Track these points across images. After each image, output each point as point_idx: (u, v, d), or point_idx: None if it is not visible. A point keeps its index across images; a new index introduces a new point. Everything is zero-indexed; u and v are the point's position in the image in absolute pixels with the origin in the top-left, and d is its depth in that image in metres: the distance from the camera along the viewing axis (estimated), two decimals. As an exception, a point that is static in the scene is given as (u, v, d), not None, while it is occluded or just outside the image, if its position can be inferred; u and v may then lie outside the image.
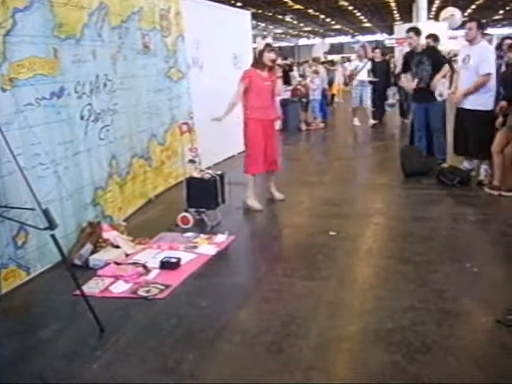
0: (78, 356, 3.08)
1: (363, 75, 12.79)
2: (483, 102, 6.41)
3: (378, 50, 13.57)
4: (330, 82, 17.47)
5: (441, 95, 7.12)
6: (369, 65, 12.76)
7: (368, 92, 12.77)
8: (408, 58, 7.78)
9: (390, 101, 13.35)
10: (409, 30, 7.74)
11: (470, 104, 6.52)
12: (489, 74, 6.35)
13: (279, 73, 6.14)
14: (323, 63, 17.43)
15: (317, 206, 6.29)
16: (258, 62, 5.82)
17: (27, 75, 4.06)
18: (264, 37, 6.22)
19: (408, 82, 7.66)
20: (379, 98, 13.11)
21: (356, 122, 13.09)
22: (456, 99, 6.85)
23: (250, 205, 5.91)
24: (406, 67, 7.83)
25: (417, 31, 7.65)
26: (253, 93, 5.76)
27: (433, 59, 7.30)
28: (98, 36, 5.11)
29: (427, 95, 7.28)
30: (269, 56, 5.73)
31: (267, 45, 5.79)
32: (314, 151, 10.84)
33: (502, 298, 3.64)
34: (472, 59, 6.47)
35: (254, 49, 5.90)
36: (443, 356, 2.94)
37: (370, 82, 12.74)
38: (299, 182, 7.26)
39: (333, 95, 18.26)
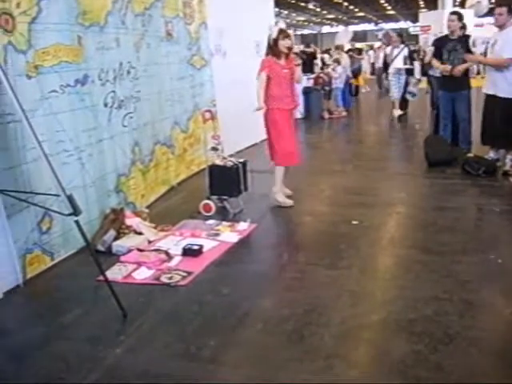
0: (101, 340, 3.12)
1: (399, 63, 12.09)
2: (510, 89, 6.28)
3: (395, 38, 12.73)
4: (356, 72, 16.81)
5: None
6: (406, 51, 12.10)
7: (402, 81, 12.13)
8: (439, 44, 7.64)
9: (411, 89, 12.34)
10: (452, 14, 7.58)
11: (499, 91, 6.40)
12: (510, 59, 6.23)
13: (298, 60, 5.93)
14: (349, 51, 16.99)
15: (339, 194, 6.25)
16: (273, 50, 5.55)
17: (52, 62, 4.09)
18: (276, 23, 5.96)
19: (443, 66, 7.46)
20: (404, 87, 12.37)
21: (396, 112, 12.38)
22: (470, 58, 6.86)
23: (280, 201, 5.64)
24: (437, 53, 7.68)
25: (460, 16, 7.40)
26: (273, 82, 5.53)
27: (467, 48, 7.18)
28: (121, 23, 5.13)
29: (456, 84, 7.18)
30: (284, 43, 5.46)
31: (281, 31, 5.54)
32: (337, 140, 10.77)
33: (526, 289, 3.59)
34: (498, 43, 6.35)
35: (269, 36, 5.67)
36: (465, 347, 2.92)
37: (407, 71, 12.05)
38: (321, 171, 7.23)
39: (357, 86, 17.37)
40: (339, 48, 14.96)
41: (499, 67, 6.33)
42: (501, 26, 6.46)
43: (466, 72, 7.34)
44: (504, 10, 6.40)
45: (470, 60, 6.87)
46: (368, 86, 20.55)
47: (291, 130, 5.73)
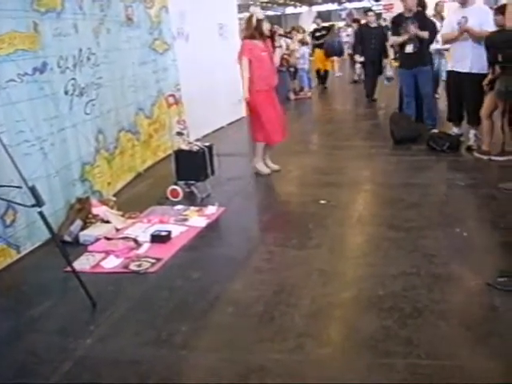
0: (71, 331, 3.09)
1: None
2: (481, 64, 6.31)
3: (371, 13, 11.43)
4: (337, 52, 14.80)
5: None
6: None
7: None
8: (397, 23, 7.68)
9: (388, 73, 11.30)
10: None
11: (470, 67, 6.45)
12: None
13: (277, 42, 6.05)
14: (316, 31, 15.22)
15: (307, 175, 6.28)
16: (255, 32, 5.70)
17: (7, 51, 3.97)
18: (256, 5, 6.08)
19: (399, 38, 7.50)
20: (374, 71, 11.11)
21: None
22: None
23: (258, 169, 6.01)
24: (395, 31, 7.72)
25: None
26: (254, 64, 5.71)
27: (422, 24, 7.23)
28: (79, 9, 5.02)
29: (416, 60, 7.23)
30: (267, 26, 5.71)
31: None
32: (303, 120, 10.78)
33: (491, 261, 3.66)
34: (472, 20, 6.35)
35: (249, 18, 5.72)
36: (434, 320, 2.96)
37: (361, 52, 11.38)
38: (288, 152, 7.21)
39: (325, 71, 14.87)
40: (295, 29, 14.75)
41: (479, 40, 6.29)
42: (463, 3, 6.50)
43: (428, 47, 7.39)
44: None
45: (470, 33, 6.71)
46: (340, 69, 18.41)
47: (276, 108, 5.97)
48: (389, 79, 11.41)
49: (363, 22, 12.43)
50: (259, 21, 5.69)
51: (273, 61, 5.91)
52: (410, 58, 7.34)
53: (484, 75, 6.20)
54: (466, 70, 6.52)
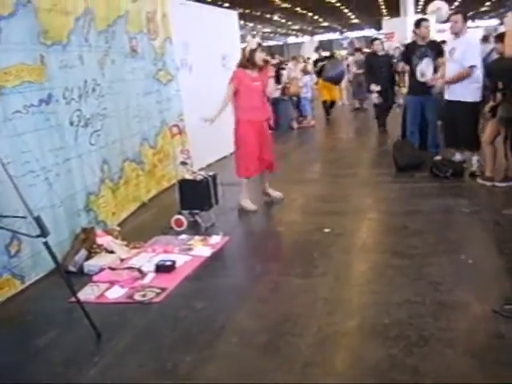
0: (75, 362, 3.07)
1: None
2: (471, 93, 6.42)
3: (377, 42, 10.95)
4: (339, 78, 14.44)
5: (422, 75, 7.11)
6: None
7: None
8: (409, 51, 7.73)
9: (400, 101, 10.61)
10: (426, 20, 7.67)
11: (458, 96, 6.53)
12: (473, 67, 6.36)
13: (272, 72, 5.98)
14: (317, 62, 15.18)
15: (310, 203, 6.28)
16: (248, 62, 5.67)
17: (14, 83, 4.04)
18: (254, 36, 6.05)
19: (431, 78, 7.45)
20: (385, 99, 10.57)
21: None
22: (438, 86, 6.97)
23: (243, 205, 5.86)
24: (406, 58, 7.76)
25: (465, 16, 6.81)
26: (242, 94, 5.66)
27: (437, 53, 7.28)
28: (84, 41, 5.09)
29: (425, 88, 7.28)
30: (260, 56, 5.64)
31: (259, 44, 5.76)
32: (306, 149, 10.81)
33: (497, 288, 3.64)
34: (457, 51, 6.48)
35: (243, 48, 5.76)
36: (441, 348, 2.94)
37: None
38: (292, 180, 7.25)
39: (332, 102, 14.55)
40: (295, 59, 14.85)
41: (466, 78, 6.41)
42: (457, 33, 6.60)
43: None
44: (459, 17, 6.56)
45: (438, 84, 6.90)
46: (346, 98, 17.51)
47: (264, 141, 5.85)
48: (400, 106, 10.69)
49: (369, 50, 12.21)
50: (252, 51, 5.65)
51: (265, 92, 5.82)
52: (418, 85, 7.37)
53: (474, 103, 6.30)
54: (455, 98, 6.59)
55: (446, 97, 6.80)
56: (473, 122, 6.43)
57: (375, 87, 9.99)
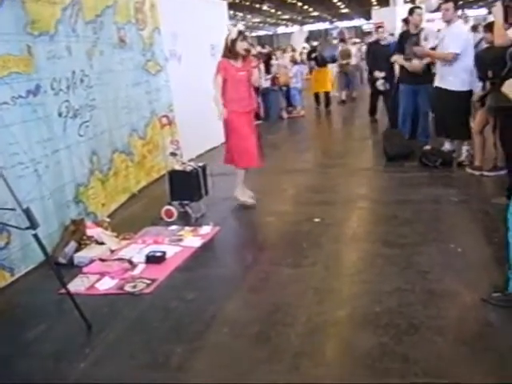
0: (65, 355, 3.06)
1: None
2: (460, 81, 6.44)
3: (382, 29, 10.17)
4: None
5: (425, 39, 7.17)
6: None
7: None
8: (402, 40, 7.71)
9: (380, 87, 9.94)
10: (447, 1, 7.59)
11: (448, 84, 6.55)
12: (456, 54, 6.38)
13: (254, 62, 5.78)
14: (311, 53, 14.59)
15: (301, 193, 6.29)
16: (230, 52, 5.44)
17: (1, 73, 4.00)
18: (235, 25, 5.76)
19: (408, 63, 7.48)
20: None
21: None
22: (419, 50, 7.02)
23: (242, 201, 5.68)
24: (400, 47, 7.74)
25: (456, 3, 6.78)
26: (229, 84, 5.46)
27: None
28: (72, 31, 5.05)
29: (418, 77, 7.28)
30: (242, 45, 5.41)
31: (240, 33, 5.47)
32: (296, 139, 10.81)
33: (485, 276, 3.66)
34: (446, 39, 6.50)
35: (225, 38, 5.57)
36: (430, 336, 2.96)
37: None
38: (282, 170, 7.25)
39: (327, 94, 14.04)
40: (282, 49, 14.77)
41: (445, 61, 6.46)
42: (448, 21, 6.61)
43: (428, 65, 7.43)
44: (450, 5, 6.55)
45: (419, 53, 6.99)
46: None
47: (250, 132, 5.67)
48: None
49: (373, 39, 11.70)
50: (233, 40, 5.41)
51: (250, 82, 5.62)
52: (413, 74, 7.37)
53: (463, 92, 6.32)
54: (441, 85, 6.61)
55: (436, 84, 6.82)
56: (463, 111, 6.45)
57: (379, 74, 9.70)
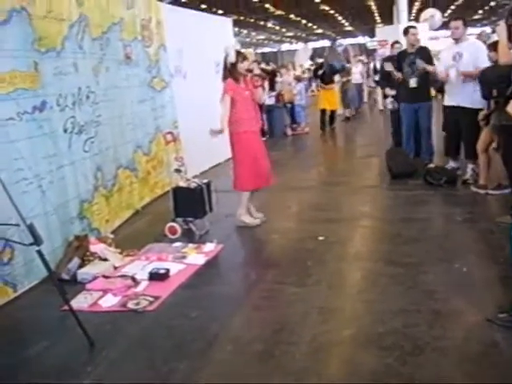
0: (68, 372, 3.05)
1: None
2: (475, 99, 6.37)
3: (398, 45, 9.12)
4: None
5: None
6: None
7: None
8: (400, 58, 7.73)
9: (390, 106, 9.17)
10: (413, 28, 7.65)
11: (462, 102, 6.52)
12: None
13: (258, 82, 5.69)
14: (318, 70, 14.16)
15: (305, 210, 6.28)
16: (232, 74, 5.39)
17: (8, 89, 4.03)
18: (229, 47, 5.59)
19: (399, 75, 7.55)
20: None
21: None
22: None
23: (246, 222, 5.61)
24: (398, 66, 7.72)
25: (465, 21, 6.78)
26: (238, 104, 5.40)
27: (426, 60, 7.27)
28: (79, 48, 5.09)
29: (418, 95, 7.29)
30: (243, 66, 5.38)
31: (238, 54, 5.45)
32: (300, 156, 10.84)
33: (491, 296, 3.63)
34: (466, 55, 6.44)
35: (224, 61, 5.52)
36: (436, 357, 2.93)
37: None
38: (286, 188, 7.23)
39: (332, 113, 13.80)
40: (285, 67, 14.73)
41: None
42: (458, 39, 6.60)
43: (427, 82, 7.44)
44: (459, 23, 6.55)
45: (467, 75, 6.83)
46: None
47: (262, 151, 5.66)
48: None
49: (386, 54, 11.05)
50: (233, 64, 5.36)
51: (255, 101, 5.59)
52: (412, 92, 7.39)
53: (478, 110, 6.28)
54: (459, 104, 6.59)
55: (447, 103, 6.80)
56: (475, 128, 6.39)
57: (390, 91, 9.55)
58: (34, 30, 4.37)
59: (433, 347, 3.02)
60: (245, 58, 5.49)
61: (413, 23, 21.76)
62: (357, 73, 17.01)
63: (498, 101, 5.69)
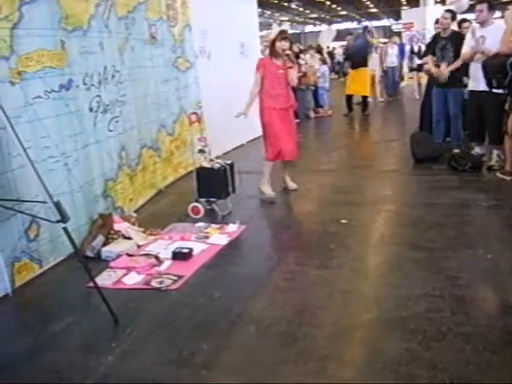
0: (92, 348, 3.09)
1: None
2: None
3: (466, 24, 8.27)
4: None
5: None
6: None
7: None
8: (433, 42, 7.68)
9: None
10: (446, 11, 7.62)
11: (487, 87, 6.41)
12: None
13: (289, 63, 5.85)
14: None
15: (327, 193, 6.27)
16: (270, 50, 5.83)
17: (35, 68, 4.05)
18: (279, 24, 6.06)
19: (436, 70, 7.42)
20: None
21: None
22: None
23: (263, 191, 5.86)
24: (430, 51, 7.67)
25: (454, 16, 7.46)
26: (267, 81, 5.76)
27: (456, 46, 7.16)
28: (105, 27, 5.09)
29: (450, 80, 7.19)
30: (280, 45, 5.68)
31: (280, 33, 5.81)
32: (323, 139, 10.79)
33: (516, 283, 3.61)
34: (490, 39, 6.33)
35: (262, 36, 5.79)
36: (458, 342, 2.92)
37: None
38: (309, 170, 7.22)
39: (364, 99, 12.99)
40: (313, 48, 14.53)
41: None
42: (482, 23, 6.49)
43: (459, 69, 7.31)
44: (484, 6, 6.42)
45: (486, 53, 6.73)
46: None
47: (285, 127, 5.87)
48: None
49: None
50: (273, 40, 5.80)
51: (288, 81, 5.86)
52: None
53: (501, 94, 6.17)
54: (479, 88, 6.49)
55: (473, 88, 6.70)
56: (499, 113, 6.29)
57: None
58: (61, 8, 4.37)
59: (455, 333, 3.01)
60: (285, 37, 5.76)
61: (439, 6, 21.42)
62: (392, 55, 15.87)
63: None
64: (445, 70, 7.13)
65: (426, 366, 2.73)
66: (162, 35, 6.50)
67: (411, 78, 17.02)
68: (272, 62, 5.77)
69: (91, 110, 4.82)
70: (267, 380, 2.71)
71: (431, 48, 7.65)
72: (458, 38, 7.26)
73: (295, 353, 2.92)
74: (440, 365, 2.73)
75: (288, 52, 5.73)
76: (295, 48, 14.79)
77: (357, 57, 12.63)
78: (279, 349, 2.98)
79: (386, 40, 22.73)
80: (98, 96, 4.92)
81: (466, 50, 6.77)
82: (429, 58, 7.64)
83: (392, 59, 15.73)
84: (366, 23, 47.51)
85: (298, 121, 11.93)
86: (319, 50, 14.37)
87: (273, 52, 5.79)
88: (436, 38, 7.71)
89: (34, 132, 4.03)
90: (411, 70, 13.72)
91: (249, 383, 2.70)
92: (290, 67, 5.81)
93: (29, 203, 3.81)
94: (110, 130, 5.16)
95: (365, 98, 13.01)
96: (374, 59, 14.83)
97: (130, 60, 5.62)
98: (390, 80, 15.77)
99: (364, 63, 12.65)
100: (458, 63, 6.98)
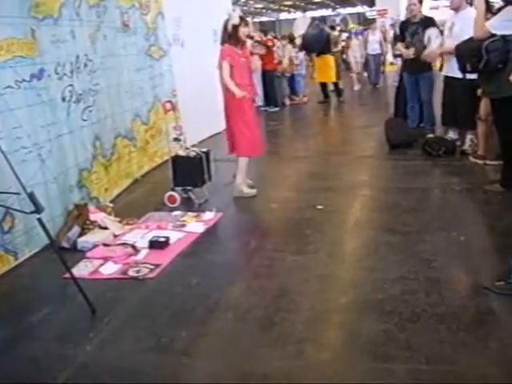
0: (70, 338, 3.08)
1: None
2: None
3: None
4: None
5: (428, 40, 7.01)
6: None
7: None
8: (403, 28, 7.70)
9: None
10: None
11: (458, 72, 6.48)
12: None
13: (261, 50, 5.67)
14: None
15: (303, 180, 6.29)
16: (231, 38, 5.28)
17: (5, 57, 3.98)
18: (234, 9, 5.60)
19: (405, 50, 7.52)
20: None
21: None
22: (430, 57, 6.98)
23: (244, 192, 5.55)
24: (401, 36, 7.72)
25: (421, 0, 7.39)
26: (235, 70, 5.30)
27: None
28: (76, 15, 5.02)
29: (419, 66, 7.25)
30: (244, 31, 5.30)
31: (242, 18, 5.34)
32: (299, 126, 10.80)
33: (488, 265, 3.68)
34: (456, 27, 6.41)
35: (225, 24, 5.46)
36: (433, 324, 2.97)
37: None
38: (285, 157, 7.25)
39: (336, 85, 13.02)
40: (284, 38, 14.39)
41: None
42: (456, 9, 6.53)
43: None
44: None
45: (430, 60, 6.92)
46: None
47: (255, 119, 5.67)
48: None
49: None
50: (235, 26, 5.27)
51: (250, 69, 5.54)
52: (412, 63, 7.35)
53: (473, 80, 6.24)
54: (451, 74, 6.55)
55: (445, 73, 6.77)
56: (471, 99, 6.37)
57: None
58: (31, -4, 4.31)
59: (430, 314, 3.06)
60: (246, 23, 5.40)
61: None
62: (374, 42, 15.15)
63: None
64: (438, 49, 7.09)
65: (402, 346, 2.78)
66: (135, 23, 6.44)
67: (392, 63, 16.75)
68: (234, 51, 5.31)
69: (64, 99, 4.76)
70: (246, 365, 2.73)
71: (401, 34, 7.69)
72: (429, 23, 7.32)
73: (274, 337, 2.95)
74: (416, 345, 2.78)
75: (254, 35, 5.50)
76: (269, 36, 14.79)
77: (314, 45, 12.42)
78: (257, 334, 3.01)
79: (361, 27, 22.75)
80: (71, 85, 4.87)
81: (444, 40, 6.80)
82: (399, 46, 7.71)
83: (374, 46, 15.15)
84: (340, 10, 47.62)
85: (277, 109, 11.99)
86: (292, 40, 14.25)
87: (235, 39, 5.29)
88: (405, 23, 7.75)
89: (5, 122, 3.97)
90: (395, 56, 13.58)
91: (227, 368, 2.72)
92: (252, 54, 5.57)
93: (2, 195, 3.76)
94: (84, 120, 5.11)
95: (336, 84, 12.98)
96: (354, 46, 14.87)
97: (102, 48, 5.56)
98: (373, 68, 15.30)
99: (325, 51, 12.45)
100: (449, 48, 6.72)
